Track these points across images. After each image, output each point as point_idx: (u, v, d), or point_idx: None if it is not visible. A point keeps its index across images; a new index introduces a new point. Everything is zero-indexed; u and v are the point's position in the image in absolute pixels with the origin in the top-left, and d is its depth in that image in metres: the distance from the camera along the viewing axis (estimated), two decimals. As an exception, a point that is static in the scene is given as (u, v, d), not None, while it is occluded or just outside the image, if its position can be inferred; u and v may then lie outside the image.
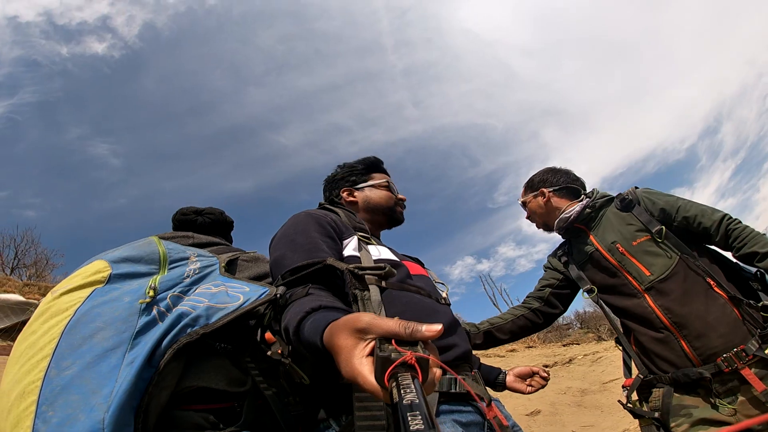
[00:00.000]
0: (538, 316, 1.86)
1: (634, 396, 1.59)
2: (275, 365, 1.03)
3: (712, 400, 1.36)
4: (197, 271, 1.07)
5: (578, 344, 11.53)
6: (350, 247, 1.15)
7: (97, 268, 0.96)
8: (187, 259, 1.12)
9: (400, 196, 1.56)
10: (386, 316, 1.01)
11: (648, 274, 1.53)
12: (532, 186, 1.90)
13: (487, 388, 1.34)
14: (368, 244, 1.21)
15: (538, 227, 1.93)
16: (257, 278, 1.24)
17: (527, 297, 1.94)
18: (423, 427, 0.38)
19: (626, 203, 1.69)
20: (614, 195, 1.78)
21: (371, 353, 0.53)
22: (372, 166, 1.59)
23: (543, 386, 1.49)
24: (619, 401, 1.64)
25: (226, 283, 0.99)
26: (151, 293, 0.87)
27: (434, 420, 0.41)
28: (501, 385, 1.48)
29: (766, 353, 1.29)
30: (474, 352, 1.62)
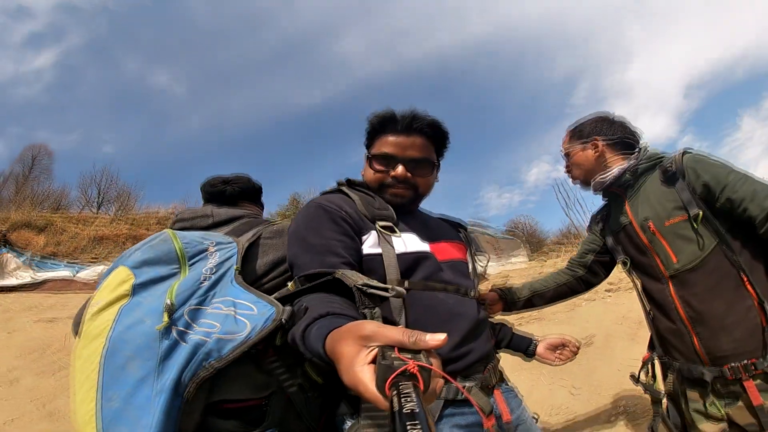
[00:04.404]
0: (580, 284, 1.77)
1: (644, 376, 1.55)
2: (300, 358, 1.04)
3: (707, 399, 1.31)
4: (213, 270, 1.06)
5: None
6: (368, 244, 1.06)
7: (121, 278, 0.99)
8: (205, 250, 1.12)
9: (393, 173, 1.18)
10: (406, 320, 1.00)
11: (675, 260, 1.35)
12: (581, 134, 1.58)
13: (520, 353, 1.46)
14: (392, 234, 1.10)
15: (574, 181, 1.65)
16: (279, 262, 1.21)
17: (570, 261, 1.83)
18: None
19: (669, 175, 1.40)
20: (662, 155, 1.48)
21: (373, 361, 0.53)
22: (374, 130, 1.22)
23: (571, 359, 1.49)
24: (631, 375, 1.59)
25: (235, 300, 0.98)
26: (166, 318, 0.89)
27: (434, 430, 0.41)
28: (532, 355, 1.48)
29: None
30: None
